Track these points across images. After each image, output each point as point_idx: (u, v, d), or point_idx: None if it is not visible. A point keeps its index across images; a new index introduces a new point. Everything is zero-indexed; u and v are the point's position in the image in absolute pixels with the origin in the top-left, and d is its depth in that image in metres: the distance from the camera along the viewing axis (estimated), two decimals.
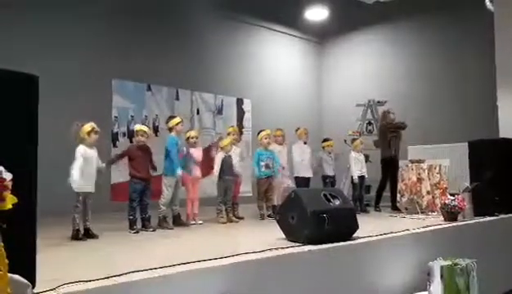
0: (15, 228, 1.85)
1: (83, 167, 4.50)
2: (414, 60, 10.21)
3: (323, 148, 7.22)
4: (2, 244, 1.78)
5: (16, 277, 1.84)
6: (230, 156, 6.05)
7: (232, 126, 6.94)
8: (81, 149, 4.54)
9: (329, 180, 7.10)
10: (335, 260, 3.55)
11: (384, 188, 7.42)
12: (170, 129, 5.68)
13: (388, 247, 4.02)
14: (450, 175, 6.81)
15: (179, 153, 5.54)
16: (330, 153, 7.18)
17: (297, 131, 7.16)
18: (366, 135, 8.80)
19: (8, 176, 1.82)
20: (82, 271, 2.63)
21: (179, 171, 5.39)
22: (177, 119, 5.71)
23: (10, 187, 1.83)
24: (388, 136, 7.51)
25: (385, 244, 4.01)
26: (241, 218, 6.15)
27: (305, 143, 7.06)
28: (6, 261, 1.77)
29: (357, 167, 7.16)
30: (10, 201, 1.82)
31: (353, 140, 7.67)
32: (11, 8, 6.89)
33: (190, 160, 5.74)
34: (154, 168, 5.27)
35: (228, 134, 6.45)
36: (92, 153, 4.65)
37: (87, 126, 4.63)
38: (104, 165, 4.83)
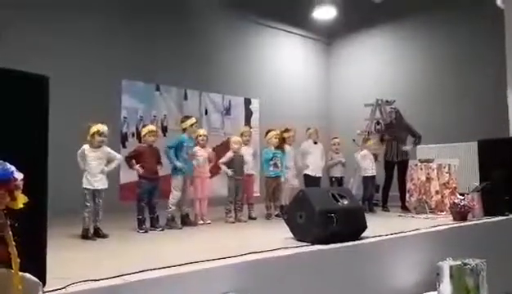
0: (26, 227, 1.87)
1: (88, 166, 4.58)
2: (423, 59, 10.12)
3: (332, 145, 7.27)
4: (14, 243, 1.80)
5: (27, 275, 1.86)
6: (241, 155, 6.07)
7: (245, 127, 6.93)
8: (82, 150, 4.62)
9: (335, 180, 7.11)
10: (344, 259, 3.54)
11: (388, 187, 7.39)
12: (184, 129, 5.72)
13: (396, 246, 4.01)
14: (459, 175, 6.76)
15: (187, 152, 5.56)
16: (337, 152, 7.22)
17: (307, 130, 7.17)
18: (375, 135, 8.76)
19: (19, 176, 1.84)
20: (91, 270, 2.65)
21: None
22: (192, 120, 5.76)
23: (21, 186, 1.84)
24: (386, 137, 7.57)
25: (394, 244, 4.00)
26: (254, 218, 6.15)
27: (315, 143, 7.09)
28: (18, 260, 1.79)
29: (368, 166, 7.18)
30: (21, 200, 1.83)
31: (365, 139, 7.66)
32: (21, 7, 6.96)
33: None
34: (160, 164, 5.35)
35: (241, 134, 6.42)
36: (98, 154, 4.68)
37: (94, 128, 4.67)
38: (107, 168, 4.76)
